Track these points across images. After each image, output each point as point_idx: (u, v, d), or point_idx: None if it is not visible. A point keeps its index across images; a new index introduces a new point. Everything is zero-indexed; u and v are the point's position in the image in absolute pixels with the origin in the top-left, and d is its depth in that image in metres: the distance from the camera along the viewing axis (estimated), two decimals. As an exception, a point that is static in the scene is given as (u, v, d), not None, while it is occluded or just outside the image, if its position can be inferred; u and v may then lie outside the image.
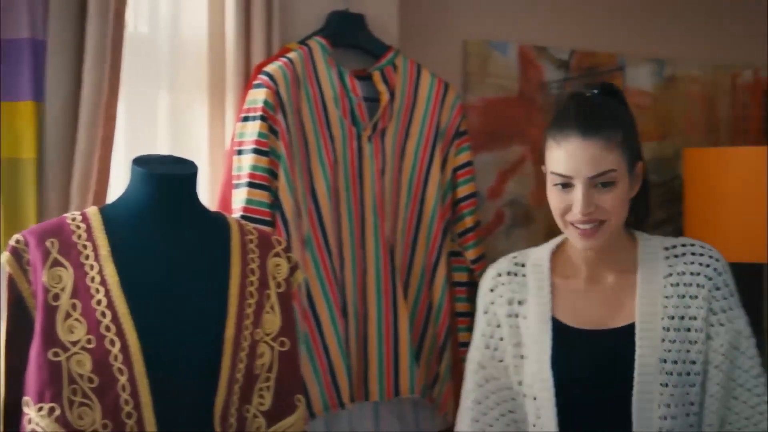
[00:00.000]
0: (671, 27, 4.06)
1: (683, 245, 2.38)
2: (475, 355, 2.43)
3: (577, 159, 2.23)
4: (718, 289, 2.32)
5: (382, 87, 3.13)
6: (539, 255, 2.43)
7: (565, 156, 2.25)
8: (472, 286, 3.31)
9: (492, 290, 2.43)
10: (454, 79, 3.50)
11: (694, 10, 4.11)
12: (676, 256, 2.36)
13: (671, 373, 2.26)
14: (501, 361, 2.37)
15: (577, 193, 2.24)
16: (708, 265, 2.34)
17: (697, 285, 2.33)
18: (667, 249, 2.38)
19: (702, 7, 4.13)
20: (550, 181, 2.29)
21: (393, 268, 3.10)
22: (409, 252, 3.19)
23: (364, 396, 3.07)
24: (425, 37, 3.50)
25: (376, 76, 3.14)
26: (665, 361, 2.27)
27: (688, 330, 2.29)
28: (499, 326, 2.39)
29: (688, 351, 2.28)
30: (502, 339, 2.38)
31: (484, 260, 3.32)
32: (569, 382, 2.29)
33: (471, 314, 3.28)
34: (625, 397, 2.27)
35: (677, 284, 2.33)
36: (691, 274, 2.34)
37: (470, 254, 3.29)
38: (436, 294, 3.22)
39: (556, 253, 2.42)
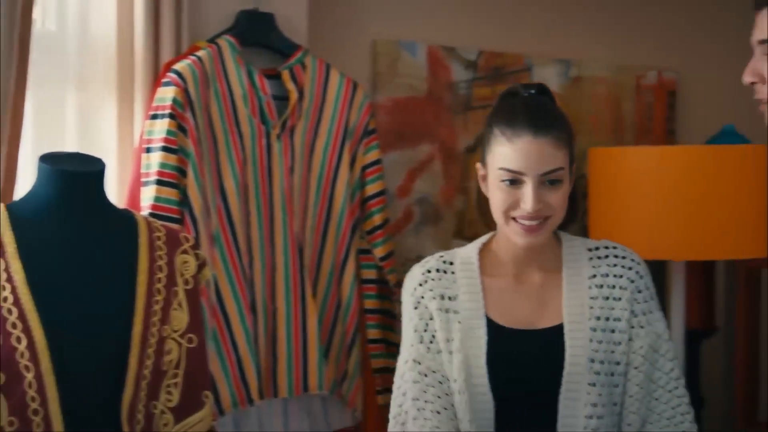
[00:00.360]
0: (577, 28, 4.11)
1: (606, 247, 2.41)
2: (409, 353, 2.37)
3: (528, 156, 2.24)
4: (639, 291, 2.36)
5: (291, 86, 3.15)
6: (467, 254, 2.43)
7: (515, 152, 2.25)
8: (381, 283, 3.35)
9: (421, 285, 2.39)
10: (364, 79, 3.53)
11: (600, 12, 4.17)
12: (599, 258, 2.39)
13: (599, 373, 2.29)
14: (438, 353, 2.34)
15: (527, 190, 2.25)
16: (630, 268, 2.38)
17: (621, 287, 2.36)
18: (590, 250, 2.41)
19: (607, 8, 4.18)
20: (496, 177, 2.28)
21: (302, 266, 3.12)
22: (318, 249, 3.22)
23: (272, 392, 3.09)
24: (335, 36, 3.52)
25: (285, 75, 3.16)
26: (593, 360, 2.29)
27: (613, 331, 2.32)
28: (431, 319, 2.35)
29: (612, 352, 2.31)
30: (435, 333, 2.35)
31: (393, 257, 3.36)
32: (501, 381, 2.29)
33: (380, 311, 3.34)
34: (554, 396, 2.28)
35: (601, 286, 2.36)
36: (615, 276, 2.37)
37: (379, 251, 3.33)
38: (344, 291, 3.25)
39: (483, 252, 2.42)
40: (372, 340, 3.36)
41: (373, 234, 3.32)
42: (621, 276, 2.37)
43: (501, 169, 2.27)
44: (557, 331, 2.33)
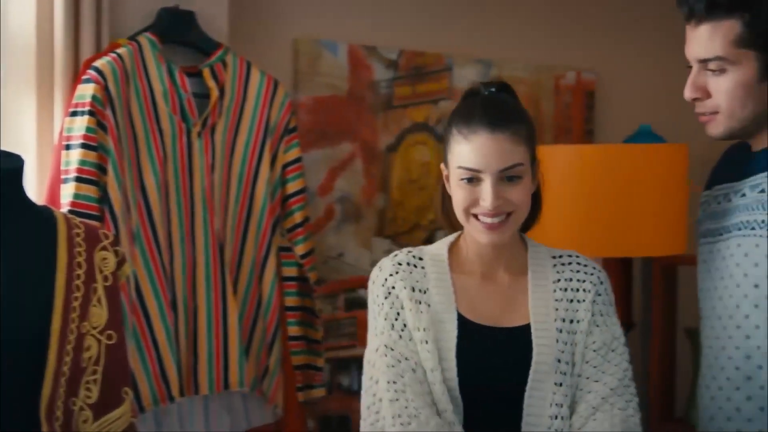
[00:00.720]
0: (497, 28, 4.15)
1: (569, 255, 2.44)
2: (380, 340, 2.34)
3: (485, 153, 2.24)
4: (599, 295, 2.38)
5: (211, 83, 3.16)
6: (436, 251, 2.42)
7: (473, 150, 2.25)
8: (302, 281, 3.37)
9: (392, 275, 2.36)
10: (285, 78, 3.54)
11: (520, 13, 4.21)
12: (563, 264, 2.42)
13: (565, 374, 2.30)
14: (410, 340, 2.31)
15: (486, 187, 2.25)
16: (592, 274, 2.41)
17: (584, 290, 2.38)
18: (554, 257, 2.43)
19: (527, 9, 4.23)
20: (456, 176, 2.28)
21: (222, 263, 3.13)
22: (238, 247, 3.22)
23: (193, 390, 3.09)
24: (256, 35, 3.52)
25: (206, 72, 3.16)
26: (559, 361, 2.31)
27: (574, 333, 2.34)
28: (402, 308, 2.33)
29: (573, 354, 2.33)
30: (406, 322, 2.33)
31: (313, 255, 3.38)
32: (470, 376, 2.29)
33: (300, 308, 3.36)
34: (520, 395, 2.29)
35: (566, 289, 2.38)
36: (578, 280, 2.39)
37: (299, 249, 3.34)
38: (265, 288, 3.26)
39: (451, 250, 2.42)
40: (293, 337, 3.38)
41: (293, 232, 3.34)
42: (584, 281, 2.39)
43: (459, 167, 2.28)
44: (525, 330, 2.34)
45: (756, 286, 2.27)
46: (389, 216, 3.81)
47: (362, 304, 3.71)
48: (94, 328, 2.25)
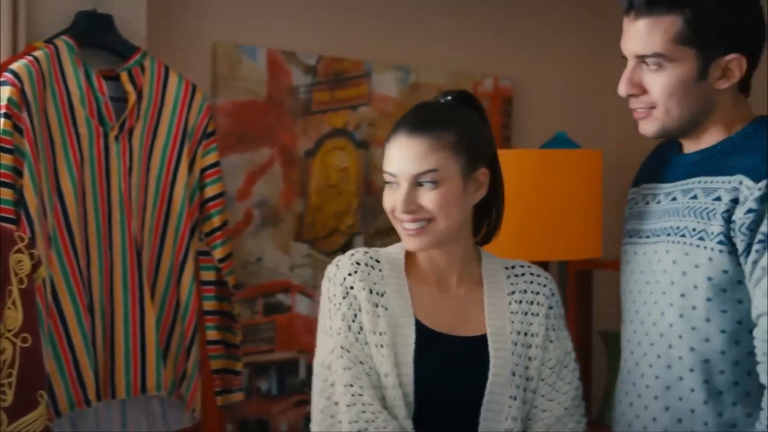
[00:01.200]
0: (416, 35, 4.18)
1: (521, 266, 2.44)
2: (336, 341, 2.29)
3: (402, 157, 2.24)
4: (551, 308, 2.40)
5: (129, 87, 3.15)
6: (393, 254, 2.39)
7: (392, 154, 2.26)
8: (220, 285, 3.37)
9: (351, 275, 2.32)
10: (204, 82, 3.54)
11: (438, 19, 4.24)
12: (516, 276, 2.41)
13: (519, 387, 2.31)
14: (366, 344, 2.27)
15: (400, 190, 2.25)
16: (545, 286, 2.41)
17: (538, 303, 2.38)
18: (507, 269, 2.42)
19: (446, 16, 4.26)
20: (384, 179, 2.30)
21: (140, 267, 3.12)
22: (156, 251, 3.22)
23: (110, 394, 3.08)
24: (174, 39, 3.52)
25: (124, 76, 3.15)
26: (514, 374, 2.31)
27: (529, 346, 2.35)
28: (360, 310, 2.29)
29: (527, 367, 2.33)
30: (362, 324, 2.29)
31: (232, 259, 3.38)
32: (426, 384, 2.27)
33: (218, 312, 3.36)
34: (475, 407, 2.28)
35: (520, 301, 2.38)
36: (533, 293, 2.39)
37: (218, 253, 3.34)
38: (183, 292, 3.26)
39: (407, 255, 2.40)
40: (211, 341, 3.38)
41: (212, 236, 3.34)
42: (538, 293, 2.40)
43: (383, 172, 2.29)
44: (481, 340, 2.33)
45: (682, 295, 2.24)
46: (308, 221, 3.82)
47: (281, 309, 3.73)
48: (9, 330, 2.24)
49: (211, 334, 3.37)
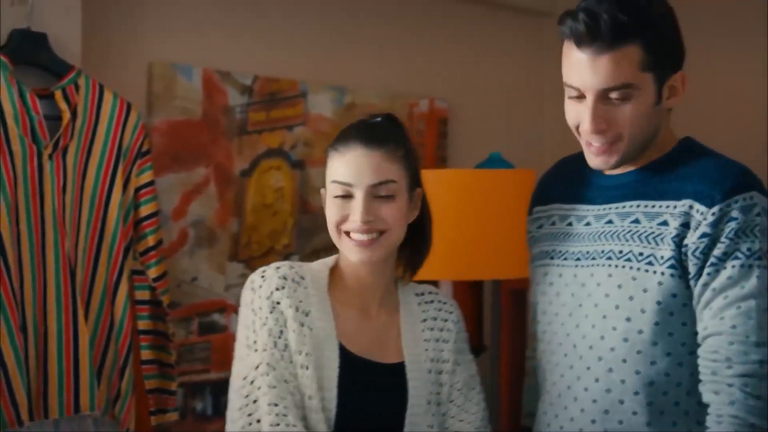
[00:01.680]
0: (352, 56, 4.20)
1: (430, 293, 2.45)
2: (262, 357, 2.24)
3: (359, 167, 2.23)
4: (459, 333, 2.41)
5: (63, 106, 3.14)
6: (317, 272, 2.36)
7: (347, 164, 2.25)
8: (155, 304, 3.36)
9: (278, 290, 2.27)
10: (139, 101, 3.53)
11: (374, 40, 4.27)
12: (426, 302, 2.42)
13: (434, 414, 2.32)
14: (291, 362, 2.24)
15: (357, 201, 2.23)
16: (452, 312, 2.43)
17: (447, 330, 2.40)
18: (417, 295, 2.43)
19: (381, 37, 4.28)
20: (330, 192, 2.27)
21: (74, 286, 3.11)
22: (90, 270, 3.20)
23: (43, 413, 3.06)
24: (110, 57, 3.51)
25: (58, 95, 3.14)
26: (429, 402, 2.32)
27: (440, 372, 2.36)
28: (286, 327, 2.25)
29: (438, 393, 2.35)
30: (287, 342, 2.25)
31: (166, 278, 3.37)
32: (349, 409, 2.26)
33: (153, 332, 3.35)
34: None
35: (432, 329, 2.39)
36: (442, 320, 2.40)
37: (152, 272, 3.33)
38: (117, 312, 3.24)
39: (332, 275, 2.37)
40: (145, 360, 3.37)
41: (146, 255, 3.33)
42: (446, 320, 2.41)
43: (333, 182, 2.27)
44: (400, 368, 2.33)
45: (628, 319, 2.24)
46: (243, 240, 3.82)
47: (216, 329, 3.72)
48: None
49: (146, 354, 3.36)
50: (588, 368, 2.30)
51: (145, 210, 3.32)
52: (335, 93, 4.10)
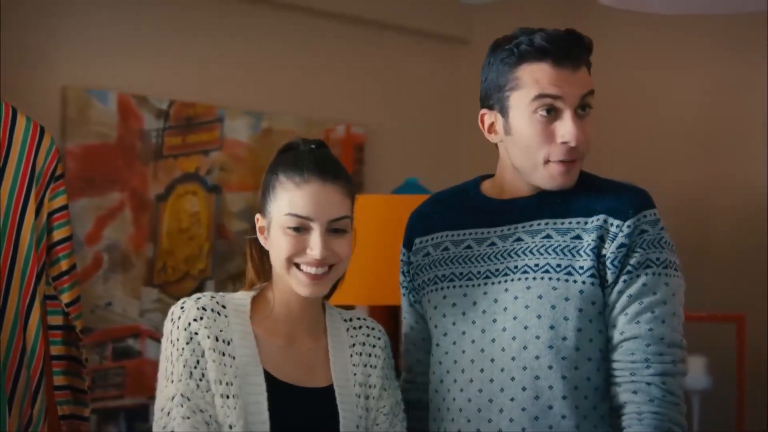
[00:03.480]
0: (268, 81, 4.22)
1: (358, 318, 2.44)
2: (177, 388, 2.22)
3: (317, 201, 2.22)
4: (386, 359, 2.41)
5: (-25, 129, 3.12)
6: (239, 301, 2.33)
7: (304, 198, 2.23)
8: (68, 330, 3.32)
9: (196, 320, 2.24)
10: (53, 125, 3.52)
11: (291, 66, 4.29)
12: (355, 328, 2.42)
13: None
14: (208, 391, 2.22)
15: (315, 236, 2.22)
16: (380, 338, 2.42)
17: (375, 356, 2.39)
18: (346, 321, 2.43)
19: (298, 63, 4.31)
20: (283, 223, 2.24)
21: (-15, 311, 3.08)
22: (2, 295, 3.16)
23: (-48, 441, 3.02)
24: (23, 81, 3.49)
25: (-30, 118, 3.12)
26: (358, 426, 2.33)
27: (368, 398, 2.37)
28: (203, 357, 2.23)
29: (366, 418, 2.35)
30: (205, 372, 2.23)
31: (80, 303, 3.34)
32: None
33: (66, 357, 3.31)
34: None
35: (360, 354, 2.38)
36: (371, 345, 2.40)
37: (65, 297, 3.30)
38: (30, 337, 3.21)
39: (254, 304, 2.35)
40: (58, 386, 3.32)
41: (59, 279, 3.29)
42: (374, 345, 2.41)
43: (288, 214, 2.24)
44: (329, 392, 2.33)
45: (552, 327, 2.30)
46: (159, 265, 3.81)
47: (131, 354, 3.70)
48: None
49: (59, 380, 3.32)
50: (512, 379, 2.33)
51: (58, 234, 3.28)
52: (252, 118, 4.11)
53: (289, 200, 2.24)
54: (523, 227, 2.40)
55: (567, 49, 2.33)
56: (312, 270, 2.25)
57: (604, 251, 2.32)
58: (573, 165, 2.35)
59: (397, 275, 3.29)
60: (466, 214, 2.49)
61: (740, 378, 4.05)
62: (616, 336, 2.31)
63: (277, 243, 2.27)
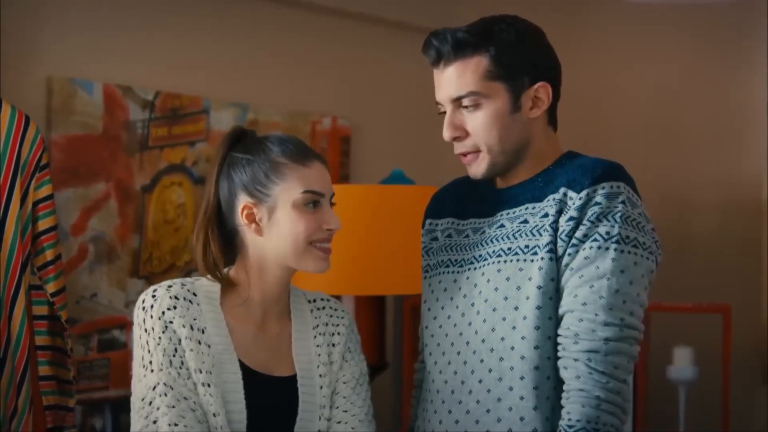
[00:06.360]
0: (255, 73, 4.21)
1: (321, 299, 2.49)
2: (159, 377, 2.24)
3: (324, 178, 2.35)
4: (349, 335, 2.48)
5: (-40, 119, 3.11)
6: (209, 289, 2.35)
7: (316, 176, 2.32)
8: (53, 320, 3.32)
9: (170, 309, 2.26)
10: (38, 115, 3.50)
11: (277, 58, 4.28)
12: (318, 309, 2.47)
13: (329, 419, 2.38)
14: (189, 378, 2.24)
15: (328, 210, 2.33)
16: (343, 318, 2.49)
17: (338, 334, 2.46)
18: (310, 302, 2.47)
19: (285, 54, 4.31)
20: (302, 201, 2.30)
21: (-31, 301, 3.07)
22: (-14, 285, 3.16)
23: (-64, 431, 3.01)
24: (8, 71, 3.47)
25: (-46, 107, 3.11)
26: (323, 406, 2.38)
27: (330, 374, 2.42)
28: (180, 345, 2.25)
29: (329, 404, 2.41)
30: (183, 359, 2.25)
31: (64, 294, 3.33)
32: (257, 425, 2.28)
33: (51, 348, 3.31)
34: None
35: (324, 334, 2.44)
36: (334, 325, 2.46)
37: (51, 287, 3.29)
38: (15, 327, 3.20)
39: (224, 292, 2.37)
40: (43, 377, 3.32)
41: (44, 270, 3.29)
42: (338, 325, 2.47)
43: (307, 191, 2.30)
44: (292, 380, 2.37)
45: (516, 308, 2.33)
46: (144, 257, 3.80)
47: (116, 346, 3.69)
48: None
49: (44, 370, 3.32)
50: (482, 360, 2.38)
51: (43, 224, 3.28)
52: (238, 110, 4.11)
53: (303, 179, 2.32)
54: (507, 214, 2.46)
55: (436, 46, 2.42)
56: (327, 244, 2.35)
57: (558, 224, 2.34)
58: (475, 157, 2.42)
59: (381, 266, 3.32)
60: (470, 202, 2.56)
61: (726, 368, 4.06)
62: (560, 309, 2.32)
63: (292, 224, 2.31)
